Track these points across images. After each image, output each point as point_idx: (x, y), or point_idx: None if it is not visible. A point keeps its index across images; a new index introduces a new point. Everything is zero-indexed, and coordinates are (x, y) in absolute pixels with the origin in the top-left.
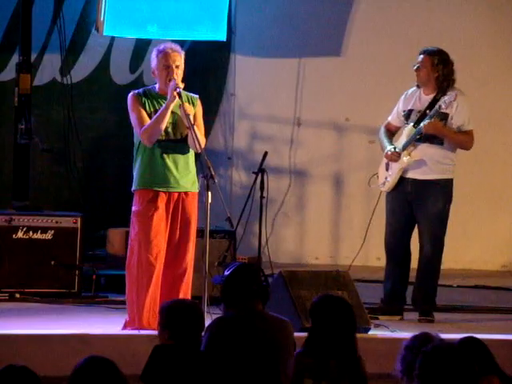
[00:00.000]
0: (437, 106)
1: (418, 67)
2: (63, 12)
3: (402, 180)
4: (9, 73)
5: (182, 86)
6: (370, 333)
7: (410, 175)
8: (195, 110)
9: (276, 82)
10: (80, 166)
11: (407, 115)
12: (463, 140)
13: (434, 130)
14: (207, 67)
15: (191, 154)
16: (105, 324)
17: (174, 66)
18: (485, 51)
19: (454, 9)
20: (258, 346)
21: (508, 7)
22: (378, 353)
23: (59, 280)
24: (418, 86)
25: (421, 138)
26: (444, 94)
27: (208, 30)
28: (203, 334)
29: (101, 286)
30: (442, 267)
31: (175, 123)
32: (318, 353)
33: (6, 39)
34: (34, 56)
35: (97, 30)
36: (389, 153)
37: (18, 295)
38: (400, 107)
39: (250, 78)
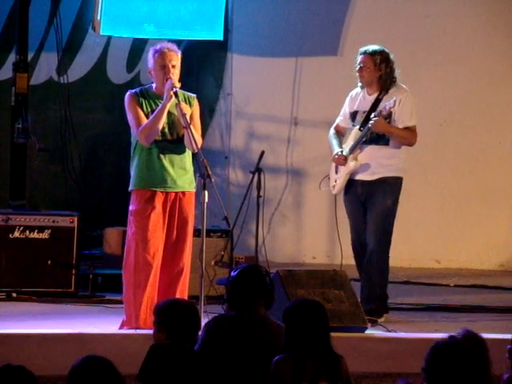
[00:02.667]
0: (377, 112)
1: (361, 67)
2: (60, 11)
3: (352, 182)
4: (6, 72)
5: (178, 85)
6: (367, 332)
7: (358, 177)
8: (192, 110)
9: (273, 81)
10: (77, 166)
11: (353, 116)
12: (407, 136)
13: (381, 128)
14: (204, 66)
15: (188, 154)
16: (102, 323)
17: (170, 66)
18: (481, 51)
19: (452, 8)
20: (253, 348)
21: (506, 5)
22: (375, 352)
23: (56, 279)
24: (361, 87)
25: (367, 140)
26: (386, 92)
27: (205, 29)
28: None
29: (97, 285)
30: (440, 266)
31: (172, 123)
32: (295, 356)
33: (3, 38)
34: (30, 55)
35: (93, 29)
36: (336, 156)
37: (14, 295)
38: (347, 109)
39: (247, 77)
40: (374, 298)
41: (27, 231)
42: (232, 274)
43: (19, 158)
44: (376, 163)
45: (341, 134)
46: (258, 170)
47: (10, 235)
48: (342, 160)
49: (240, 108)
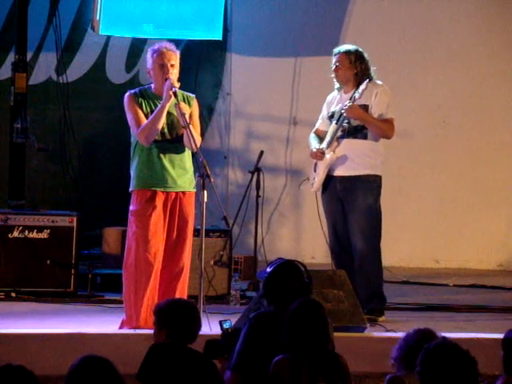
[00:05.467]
0: (352, 98)
1: (336, 66)
2: (59, 11)
3: (331, 179)
4: (5, 72)
5: (177, 85)
6: (366, 332)
7: (337, 173)
8: (191, 110)
9: (272, 81)
10: (76, 165)
11: (331, 117)
12: (384, 127)
13: (355, 113)
14: (203, 66)
15: (188, 154)
16: (101, 323)
17: (169, 65)
18: (480, 51)
19: (451, 7)
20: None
21: (503, 6)
22: (375, 352)
23: (55, 279)
24: (337, 90)
25: (344, 133)
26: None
27: (204, 29)
28: (243, 327)
29: (96, 285)
30: (439, 266)
31: (171, 124)
32: (294, 356)
33: (2, 38)
34: (29, 55)
35: (93, 29)
36: (314, 150)
37: (13, 294)
38: (325, 112)
39: (246, 77)
40: (373, 298)
41: (26, 231)
42: (268, 269)
43: (18, 157)
44: (354, 157)
45: (320, 138)
46: (257, 169)
47: (9, 235)
48: (319, 154)
49: (239, 108)
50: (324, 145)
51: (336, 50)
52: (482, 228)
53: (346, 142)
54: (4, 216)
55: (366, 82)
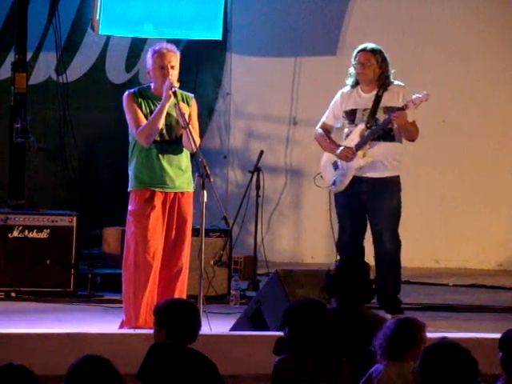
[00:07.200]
0: (404, 105)
1: (362, 64)
2: (59, 11)
3: (356, 179)
4: (4, 72)
5: (177, 85)
6: None
7: (366, 174)
8: (190, 110)
9: (272, 81)
10: (76, 165)
11: (350, 115)
12: (415, 131)
13: (403, 122)
14: (203, 66)
15: (186, 155)
16: (101, 323)
17: (169, 67)
18: (479, 51)
19: (451, 7)
20: (347, 339)
21: (502, 6)
22: None
23: (55, 279)
24: (352, 86)
25: (375, 136)
26: (386, 89)
27: (204, 28)
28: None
29: (96, 284)
30: (438, 266)
31: (169, 125)
32: (296, 356)
33: (2, 38)
34: (29, 55)
35: (92, 28)
36: (343, 152)
37: (13, 294)
38: (340, 107)
39: (246, 76)
40: (396, 296)
41: (26, 231)
42: (338, 264)
43: (18, 157)
44: (385, 160)
45: (328, 132)
46: (257, 169)
47: (9, 235)
48: (350, 154)
49: (239, 108)
50: (352, 145)
51: (361, 47)
52: (481, 228)
53: (378, 145)
54: (4, 216)
55: (425, 94)
